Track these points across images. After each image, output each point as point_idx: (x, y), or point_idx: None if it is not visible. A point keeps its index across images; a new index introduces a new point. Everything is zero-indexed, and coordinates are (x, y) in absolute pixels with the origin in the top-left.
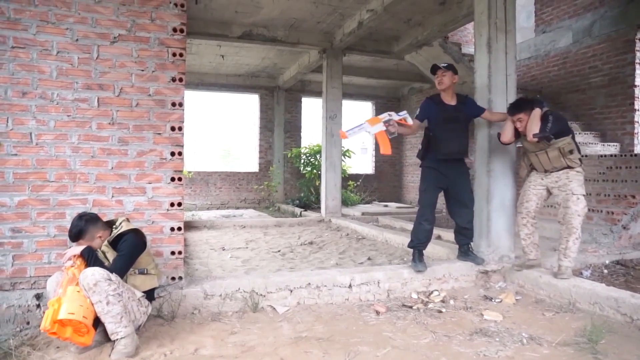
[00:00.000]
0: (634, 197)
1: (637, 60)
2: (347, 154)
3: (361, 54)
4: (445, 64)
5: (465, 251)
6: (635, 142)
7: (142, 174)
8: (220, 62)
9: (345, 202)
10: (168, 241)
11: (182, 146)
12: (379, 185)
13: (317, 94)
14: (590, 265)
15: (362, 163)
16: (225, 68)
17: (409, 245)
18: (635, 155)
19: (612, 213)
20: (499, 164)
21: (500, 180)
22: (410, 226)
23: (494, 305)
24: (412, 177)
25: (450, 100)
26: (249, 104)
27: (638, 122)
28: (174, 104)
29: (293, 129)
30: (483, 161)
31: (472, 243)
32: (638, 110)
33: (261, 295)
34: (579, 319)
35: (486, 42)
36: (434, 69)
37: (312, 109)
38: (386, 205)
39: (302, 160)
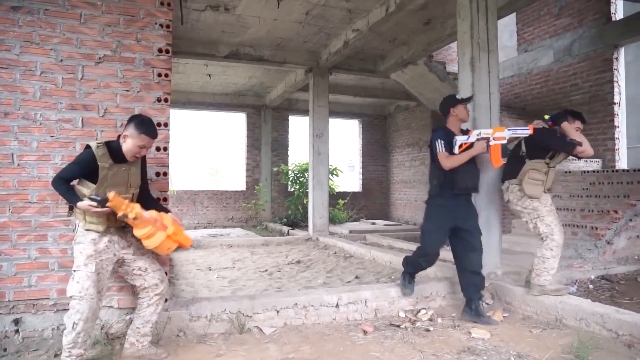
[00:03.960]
0: (616, 212)
1: (615, 79)
2: (335, 172)
3: (347, 73)
4: (468, 97)
5: (475, 308)
6: (617, 157)
7: None
8: (207, 81)
9: (333, 220)
10: None
11: (168, 166)
12: (367, 202)
13: (304, 112)
14: (576, 280)
15: (349, 181)
16: (212, 87)
17: (403, 266)
18: (617, 170)
19: (596, 228)
20: (485, 181)
21: (486, 198)
22: (398, 244)
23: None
24: (400, 194)
25: (458, 132)
26: (236, 122)
27: (618, 138)
28: (159, 125)
29: (280, 147)
30: None
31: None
32: (618, 127)
33: (248, 316)
34: (566, 335)
35: (469, 61)
36: (455, 101)
37: (299, 127)
38: (374, 223)
39: (290, 178)
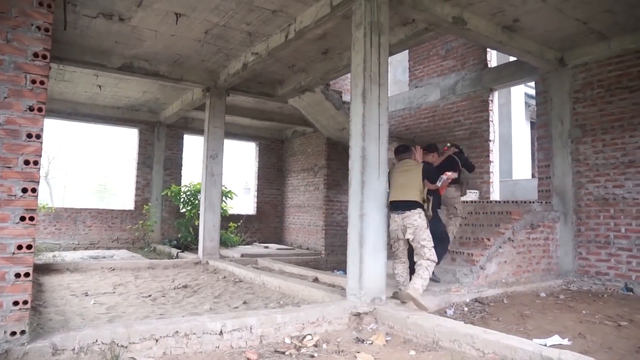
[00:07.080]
0: (489, 239)
1: (490, 118)
2: (229, 195)
3: (245, 95)
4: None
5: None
6: (491, 190)
7: None
8: (97, 92)
9: (225, 244)
10: (11, 290)
11: (37, 182)
12: (261, 226)
13: (200, 131)
14: (454, 303)
15: (245, 203)
16: (102, 99)
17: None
18: (491, 201)
19: (472, 255)
20: (372, 209)
21: (373, 225)
22: (289, 268)
23: (366, 347)
24: (294, 218)
25: None
26: (128, 138)
27: (493, 172)
28: (30, 136)
29: (174, 167)
30: (356, 206)
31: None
32: (492, 161)
33: (122, 346)
34: (441, 356)
35: (361, 92)
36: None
37: (194, 146)
38: (267, 247)
39: (182, 199)
